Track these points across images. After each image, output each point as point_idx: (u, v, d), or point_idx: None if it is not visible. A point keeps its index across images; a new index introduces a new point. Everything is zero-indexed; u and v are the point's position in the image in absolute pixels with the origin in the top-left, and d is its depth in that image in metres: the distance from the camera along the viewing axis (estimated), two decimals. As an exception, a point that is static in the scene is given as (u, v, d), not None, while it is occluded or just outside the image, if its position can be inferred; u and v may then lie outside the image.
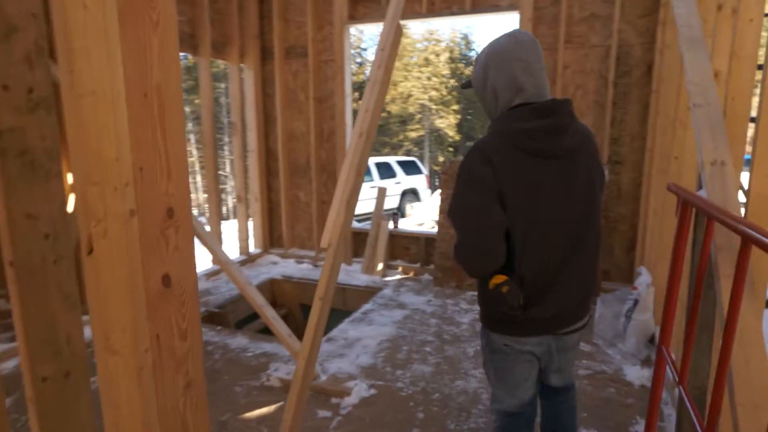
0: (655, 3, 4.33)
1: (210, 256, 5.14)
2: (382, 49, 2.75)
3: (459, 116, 30.99)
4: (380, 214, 5.77)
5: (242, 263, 6.01)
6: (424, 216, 12.50)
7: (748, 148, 2.45)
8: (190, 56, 5.35)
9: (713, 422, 1.28)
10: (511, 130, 1.57)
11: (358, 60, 30.55)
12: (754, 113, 2.27)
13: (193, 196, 24.60)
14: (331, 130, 5.85)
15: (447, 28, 31.73)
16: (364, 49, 31.16)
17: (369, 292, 5.15)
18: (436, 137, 31.09)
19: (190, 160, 23.75)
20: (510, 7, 4.83)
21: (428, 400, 3.03)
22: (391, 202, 13.32)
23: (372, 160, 13.00)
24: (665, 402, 2.95)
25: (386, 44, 2.76)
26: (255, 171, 6.14)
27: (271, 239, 6.46)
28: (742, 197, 2.16)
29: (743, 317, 1.25)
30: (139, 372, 1.16)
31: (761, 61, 2.43)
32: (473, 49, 34.91)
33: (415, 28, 30.92)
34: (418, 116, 30.12)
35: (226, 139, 24.76)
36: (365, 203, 11.45)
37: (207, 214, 5.72)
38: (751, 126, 2.30)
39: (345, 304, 5.32)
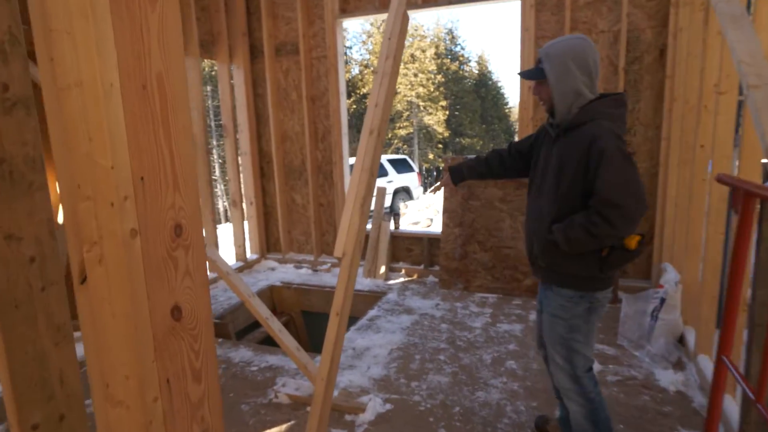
0: (665, -16, 4.18)
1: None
2: (389, 39, 2.55)
3: (447, 112, 30.86)
4: (380, 216, 5.57)
5: (239, 270, 5.78)
6: (419, 214, 12.32)
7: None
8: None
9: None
10: (612, 116, 1.98)
11: (344, 59, 30.33)
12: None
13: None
14: (326, 129, 5.64)
15: (431, 23, 31.59)
16: (349, 48, 30.95)
17: (373, 297, 4.94)
18: (425, 134, 30.94)
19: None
20: (510, -5, 4.66)
21: (449, 415, 2.84)
22: (384, 201, 13.12)
23: (364, 159, 12.77)
24: (706, 410, 2.79)
25: (393, 33, 2.56)
26: (249, 174, 5.91)
27: (268, 244, 6.23)
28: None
29: None
30: (148, 426, 0.95)
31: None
32: (459, 44, 34.85)
33: (401, 25, 30.66)
34: (406, 113, 29.94)
35: (214, 142, 24.37)
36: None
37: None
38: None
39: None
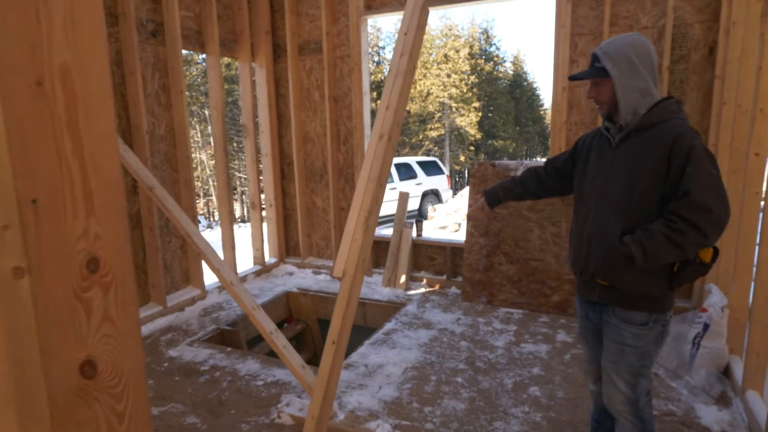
0: (716, -25, 3.81)
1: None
2: (404, 34, 2.31)
3: (480, 114, 30.32)
4: (402, 222, 5.34)
5: (257, 273, 5.65)
6: (447, 219, 12.02)
7: None
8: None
9: None
10: (684, 116, 1.86)
11: (375, 59, 30.18)
12: None
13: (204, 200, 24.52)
14: (349, 131, 5.44)
15: (466, 22, 31.09)
16: (382, 48, 30.79)
17: (392, 308, 4.72)
18: (457, 136, 30.49)
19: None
20: (545, -8, 4.35)
21: (464, 447, 2.59)
22: (412, 204, 12.88)
23: (392, 161, 12.57)
24: (752, 453, 2.46)
25: (410, 27, 2.32)
26: (269, 176, 5.77)
27: (287, 248, 6.08)
28: None
29: None
30: None
31: None
32: (493, 44, 34.25)
33: (433, 24, 30.43)
34: (438, 115, 29.57)
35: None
36: (386, 206, 11.04)
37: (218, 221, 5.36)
38: None
39: (365, 320, 4.90)
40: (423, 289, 5.08)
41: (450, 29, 30.00)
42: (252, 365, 3.55)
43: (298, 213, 5.77)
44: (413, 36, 2.29)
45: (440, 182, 14.27)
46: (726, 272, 3.54)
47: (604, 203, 1.94)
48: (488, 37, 34.19)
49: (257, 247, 5.80)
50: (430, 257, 5.34)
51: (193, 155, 23.62)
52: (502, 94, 33.66)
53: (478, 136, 30.67)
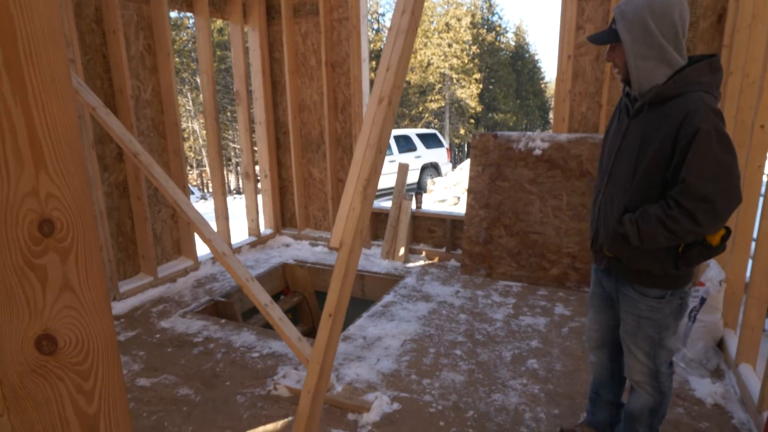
0: (730, -60, 3.62)
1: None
2: (407, -10, 2.16)
3: (480, 86, 29.87)
4: (402, 194, 5.23)
5: (252, 245, 5.57)
6: (446, 192, 11.91)
7: None
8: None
9: None
10: (710, 85, 1.67)
11: (375, 26, 29.55)
12: None
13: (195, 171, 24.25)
14: (347, 99, 5.28)
15: (468, -8, 30.35)
16: (382, 14, 30.12)
17: (390, 280, 4.66)
18: (457, 108, 30.11)
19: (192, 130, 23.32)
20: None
21: (461, 420, 2.55)
22: (411, 177, 12.75)
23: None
24: (747, 428, 2.42)
25: (412, -16, 2.17)
26: (264, 145, 5.62)
27: (283, 219, 5.99)
28: None
29: None
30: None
31: None
32: (496, 13, 33.54)
33: (435, -7, 29.66)
34: (438, 86, 29.11)
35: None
36: (385, 178, 10.91)
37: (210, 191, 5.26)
38: None
39: (364, 292, 4.85)
40: (422, 262, 5.01)
41: (451, -3, 29.27)
42: (247, 337, 3.49)
43: (294, 184, 5.65)
44: (415, -8, 2.14)
45: (440, 155, 14.10)
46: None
47: (613, 177, 1.87)
48: (491, 5, 33.43)
49: (252, 218, 5.70)
50: (429, 230, 5.26)
51: (185, 124, 23.26)
52: (504, 65, 33.10)
53: (479, 108, 30.27)
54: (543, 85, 38.57)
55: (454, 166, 16.17)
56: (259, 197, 5.84)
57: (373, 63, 24.77)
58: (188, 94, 22.78)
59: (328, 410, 2.65)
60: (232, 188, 23.57)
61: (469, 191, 4.62)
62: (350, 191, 1.85)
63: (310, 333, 5.05)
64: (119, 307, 3.89)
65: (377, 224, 5.49)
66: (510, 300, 4.03)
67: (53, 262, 0.67)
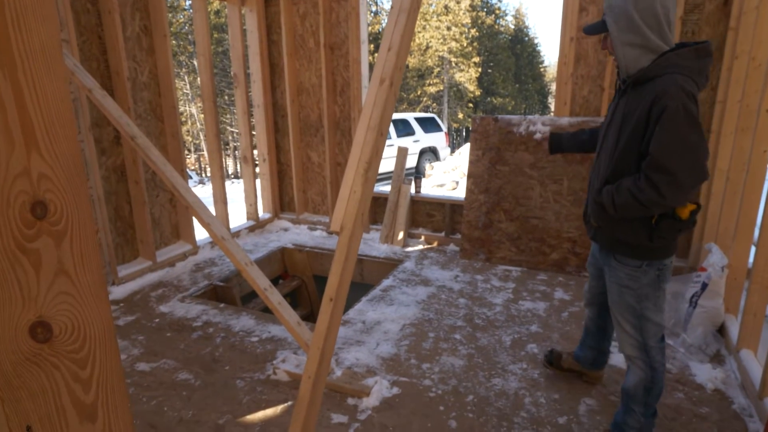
0: None
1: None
2: (408, -32, 2.10)
3: (479, 70, 29.62)
4: (401, 178, 5.20)
5: (251, 229, 5.54)
6: (444, 176, 11.87)
7: None
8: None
9: None
10: (690, 69, 1.77)
11: (373, 8, 29.18)
12: None
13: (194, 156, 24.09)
14: (345, 81, 5.21)
15: (468, -26, 29.89)
16: (381, -2, 29.70)
17: (389, 265, 4.64)
18: (456, 92, 29.89)
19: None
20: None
21: (461, 404, 2.55)
22: (410, 162, 12.69)
23: (389, 117, 12.25)
24: (748, 413, 2.43)
25: (414, -38, 2.11)
26: (262, 128, 5.56)
27: (282, 203, 5.95)
28: None
29: None
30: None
31: None
32: (495, -3, 33.11)
33: (434, -26, 29.27)
34: (437, 70, 28.86)
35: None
36: (384, 162, 10.85)
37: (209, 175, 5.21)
38: None
39: (363, 276, 4.84)
40: (421, 246, 4.99)
41: (450, -21, 28.85)
42: (246, 321, 3.48)
43: (292, 168, 5.61)
44: (417, -30, 2.08)
45: (438, 139, 14.03)
46: (726, 231, 3.46)
47: (601, 153, 2.06)
48: (490, -12, 33.03)
49: (250, 202, 5.67)
50: (428, 214, 5.24)
51: (183, 108, 23.05)
52: (503, 49, 32.80)
53: (477, 92, 30.07)
54: (542, 70, 38.29)
55: (452, 151, 16.09)
56: (258, 181, 5.80)
57: (372, 46, 24.51)
58: (186, 78, 22.53)
59: (328, 394, 2.65)
60: (230, 172, 23.45)
61: (469, 175, 4.59)
62: (351, 174, 1.82)
63: (309, 317, 5.06)
64: (118, 292, 3.88)
65: (376, 208, 5.46)
66: (509, 284, 4.03)
67: (47, 246, 0.65)
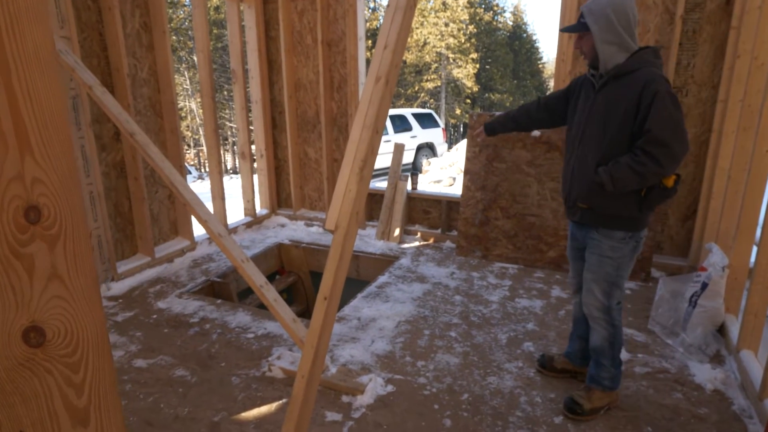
0: None
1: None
2: (406, -34, 2.10)
3: (477, 66, 29.57)
4: (397, 174, 5.20)
5: (248, 225, 5.54)
6: (441, 172, 11.87)
7: None
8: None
9: None
10: (656, 65, 2.15)
11: (371, 5, 29.08)
12: None
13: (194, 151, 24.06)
14: (343, 78, 5.20)
15: (467, -31, 29.76)
16: (379, -7, 29.59)
17: (385, 261, 4.65)
18: (453, 88, 29.84)
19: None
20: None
21: (456, 402, 2.56)
22: (406, 157, 12.68)
23: (387, 113, 12.22)
24: (748, 415, 2.45)
25: (412, -40, 2.11)
26: (260, 124, 5.55)
27: (279, 199, 5.95)
28: None
29: None
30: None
31: None
32: (494, -8, 33.00)
33: (433, -30, 29.14)
34: (435, 66, 28.80)
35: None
36: (380, 158, 10.84)
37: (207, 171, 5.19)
38: None
39: (358, 273, 4.85)
40: (417, 243, 5.00)
41: (449, -26, 28.75)
42: (243, 317, 3.49)
43: (290, 164, 5.60)
44: (414, -32, 2.08)
45: (435, 135, 14.02)
46: (727, 231, 3.47)
47: (584, 141, 2.28)
48: (488, -16, 32.93)
49: (248, 198, 5.66)
50: (424, 211, 5.24)
51: (183, 103, 22.97)
52: (501, 45, 32.75)
53: (475, 88, 30.02)
54: (540, 66, 38.23)
55: (449, 147, 16.09)
56: (255, 177, 5.79)
57: (369, 42, 24.44)
58: (185, 73, 22.45)
59: (322, 392, 2.66)
60: (229, 167, 23.40)
61: (466, 172, 4.59)
62: (346, 172, 1.82)
63: (305, 313, 5.07)
64: (117, 288, 3.88)
65: (372, 205, 5.47)
66: (506, 282, 4.04)
67: (40, 251, 0.65)
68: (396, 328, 3.32)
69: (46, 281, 0.66)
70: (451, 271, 4.26)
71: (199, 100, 23.18)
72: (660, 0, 3.85)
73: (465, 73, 28.65)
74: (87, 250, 0.71)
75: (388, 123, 12.43)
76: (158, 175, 4.33)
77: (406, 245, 4.95)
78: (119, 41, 3.75)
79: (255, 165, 5.78)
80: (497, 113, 4.49)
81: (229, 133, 23.93)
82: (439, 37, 27.73)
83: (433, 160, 12.84)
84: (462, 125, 33.33)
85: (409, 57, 27.93)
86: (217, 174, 5.06)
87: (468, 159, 4.58)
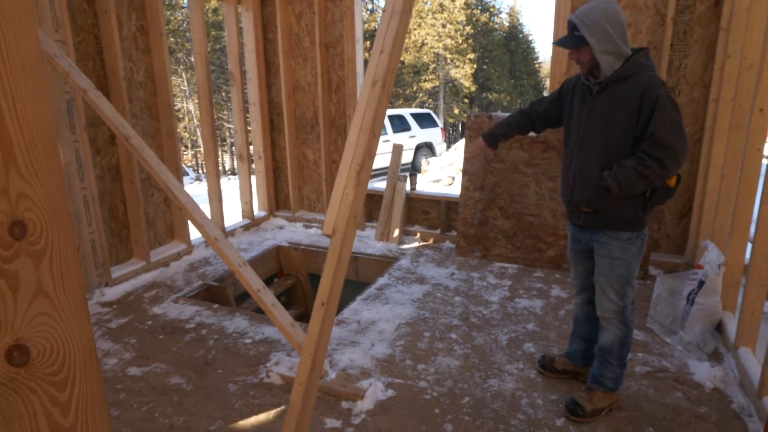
0: None
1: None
2: (402, -32, 2.08)
3: (474, 66, 29.57)
4: (396, 175, 5.18)
5: (246, 227, 5.51)
6: (440, 172, 11.85)
7: None
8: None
9: None
10: (650, 66, 2.18)
11: (369, 6, 29.07)
12: None
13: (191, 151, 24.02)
14: (341, 80, 5.18)
15: (463, -31, 29.74)
16: (376, -6, 29.58)
17: (384, 262, 4.63)
18: (451, 88, 29.84)
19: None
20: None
21: (457, 406, 2.54)
22: (405, 157, 12.66)
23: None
24: (748, 413, 2.43)
25: (408, -39, 2.09)
26: (258, 126, 5.53)
27: (277, 201, 5.93)
28: None
29: None
30: None
31: None
32: (490, -7, 33.03)
33: (430, -30, 29.14)
34: (433, 66, 28.81)
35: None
36: (379, 158, 10.82)
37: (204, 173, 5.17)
38: None
39: (358, 274, 4.83)
40: (416, 244, 4.98)
41: (446, -25, 28.75)
42: (240, 322, 3.46)
43: (288, 166, 5.58)
44: (411, -31, 2.06)
45: (434, 135, 14.00)
46: (722, 228, 3.47)
47: (585, 145, 2.30)
48: (485, -16, 32.95)
49: (246, 200, 5.64)
50: (424, 211, 5.22)
51: (181, 105, 22.92)
52: (498, 46, 32.77)
53: (473, 88, 30.03)
54: (537, 66, 38.27)
55: (448, 146, 16.08)
56: (253, 179, 5.77)
57: (368, 43, 24.42)
58: (183, 74, 22.41)
59: (321, 398, 2.63)
60: (227, 169, 23.36)
61: (464, 172, 4.57)
62: (343, 176, 1.80)
63: (304, 316, 5.04)
64: (111, 293, 3.85)
65: (371, 206, 5.45)
66: (506, 282, 4.02)
67: (25, 267, 0.63)
68: (396, 330, 3.30)
69: (31, 298, 0.64)
70: (450, 272, 4.24)
71: (196, 101, 23.13)
72: (651, 2, 3.85)
73: (463, 73, 28.65)
74: (75, 264, 0.69)
75: (387, 123, 12.41)
76: (154, 179, 4.31)
77: (405, 246, 4.93)
78: (115, 44, 3.73)
79: (253, 167, 5.76)
80: (494, 114, 4.49)
81: (227, 134, 23.89)
82: (437, 38, 27.73)
83: (432, 159, 12.83)
84: (460, 125, 33.33)
85: (408, 58, 27.93)
86: (215, 176, 5.03)
87: (466, 159, 4.56)
